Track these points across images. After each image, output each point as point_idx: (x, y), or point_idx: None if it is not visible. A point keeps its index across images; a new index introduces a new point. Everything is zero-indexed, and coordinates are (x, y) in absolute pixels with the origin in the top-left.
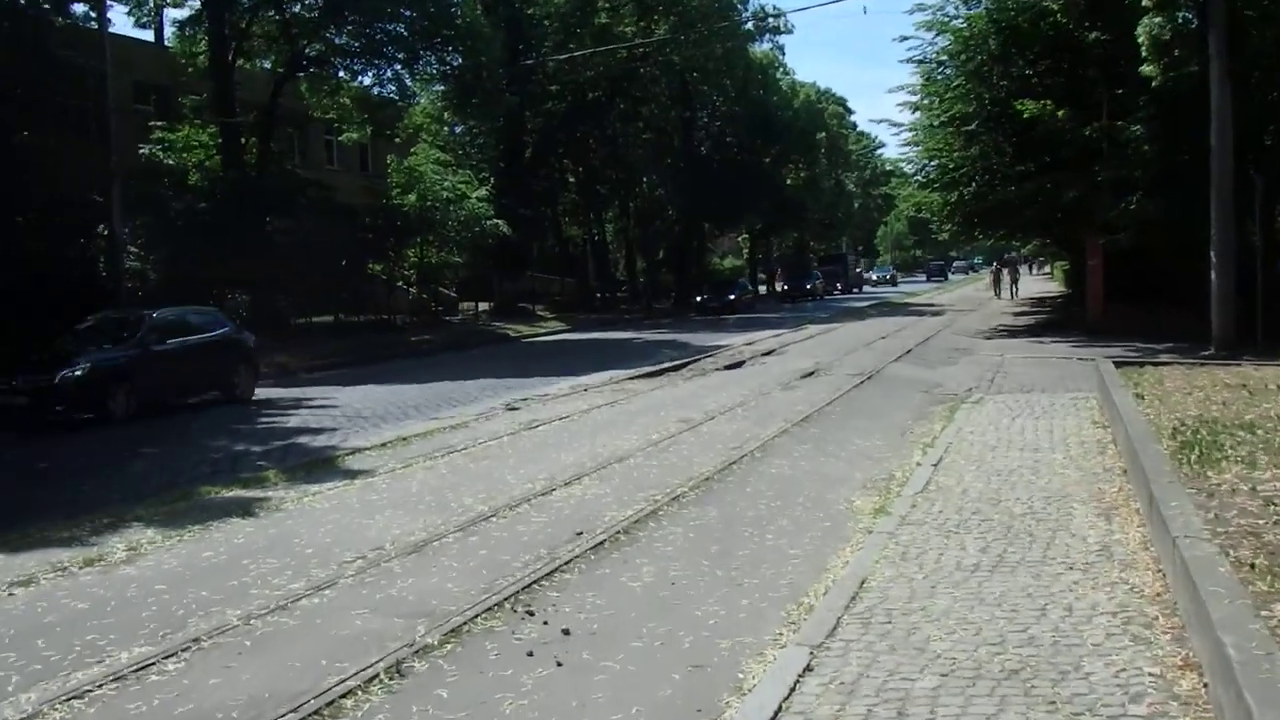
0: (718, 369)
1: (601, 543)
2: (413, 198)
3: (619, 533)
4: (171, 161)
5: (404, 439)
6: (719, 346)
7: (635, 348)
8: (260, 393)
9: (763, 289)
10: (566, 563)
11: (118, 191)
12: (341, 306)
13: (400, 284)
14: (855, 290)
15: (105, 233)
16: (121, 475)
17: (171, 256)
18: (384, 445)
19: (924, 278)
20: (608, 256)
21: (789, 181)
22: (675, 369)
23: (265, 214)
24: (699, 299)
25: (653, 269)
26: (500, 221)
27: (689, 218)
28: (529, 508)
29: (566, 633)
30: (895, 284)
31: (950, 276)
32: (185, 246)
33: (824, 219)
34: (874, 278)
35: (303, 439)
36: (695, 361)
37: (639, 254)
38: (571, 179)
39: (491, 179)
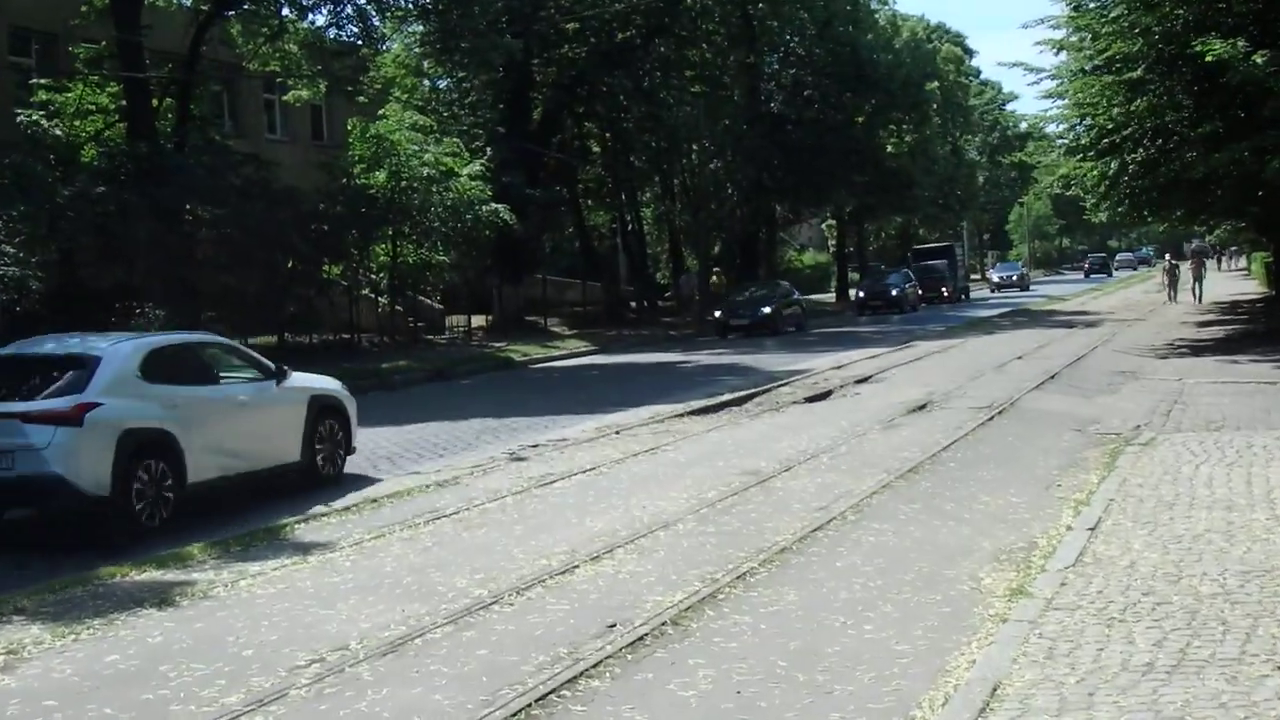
0: (796, 402)
1: (642, 637)
2: (382, 175)
3: (665, 624)
4: (59, 132)
5: (374, 500)
6: (798, 372)
7: (684, 375)
8: None
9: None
10: (595, 665)
11: None
12: (288, 324)
13: (367, 292)
14: (963, 297)
15: None
16: None
17: (61, 260)
18: (347, 509)
19: (1081, 275)
20: (645, 252)
21: (889, 148)
22: (739, 403)
23: (185, 201)
24: (715, 314)
25: (706, 268)
26: (501, 207)
27: (756, 198)
28: (543, 591)
29: None
30: (1025, 286)
31: (1114, 273)
32: (78, 246)
33: (937, 197)
34: (995, 279)
35: (237, 501)
36: (766, 392)
37: (688, 248)
38: (596, 149)
39: (488, 150)
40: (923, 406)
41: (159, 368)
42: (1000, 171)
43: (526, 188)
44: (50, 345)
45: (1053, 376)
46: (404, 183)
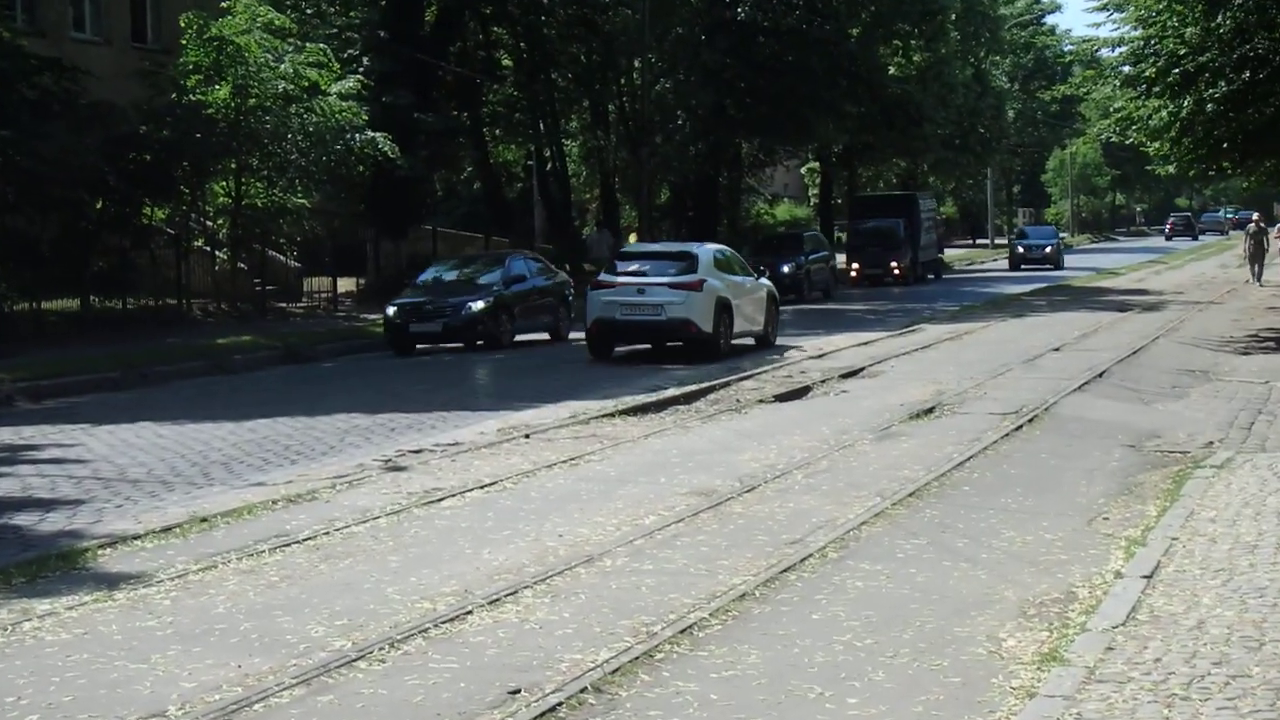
0: (763, 401)
1: (554, 708)
2: (223, 91)
3: (585, 691)
4: None
5: (204, 520)
6: (768, 361)
7: (617, 361)
8: None
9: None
10: None
11: None
12: (96, 284)
13: (200, 244)
14: (931, 276)
15: None
16: None
17: None
18: (168, 530)
19: (1135, 241)
20: (569, 200)
21: (892, 70)
22: (688, 400)
23: None
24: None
25: (648, 221)
26: (380, 136)
27: (715, 131)
28: (425, 644)
29: None
30: (1058, 263)
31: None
32: None
33: (954, 136)
34: (1019, 249)
35: (22, 516)
36: (724, 387)
37: (625, 195)
38: (508, 61)
39: (365, 60)
40: (929, 410)
41: (720, 263)
42: (1036, 105)
43: (415, 111)
44: (663, 246)
45: (1100, 375)
46: (253, 101)
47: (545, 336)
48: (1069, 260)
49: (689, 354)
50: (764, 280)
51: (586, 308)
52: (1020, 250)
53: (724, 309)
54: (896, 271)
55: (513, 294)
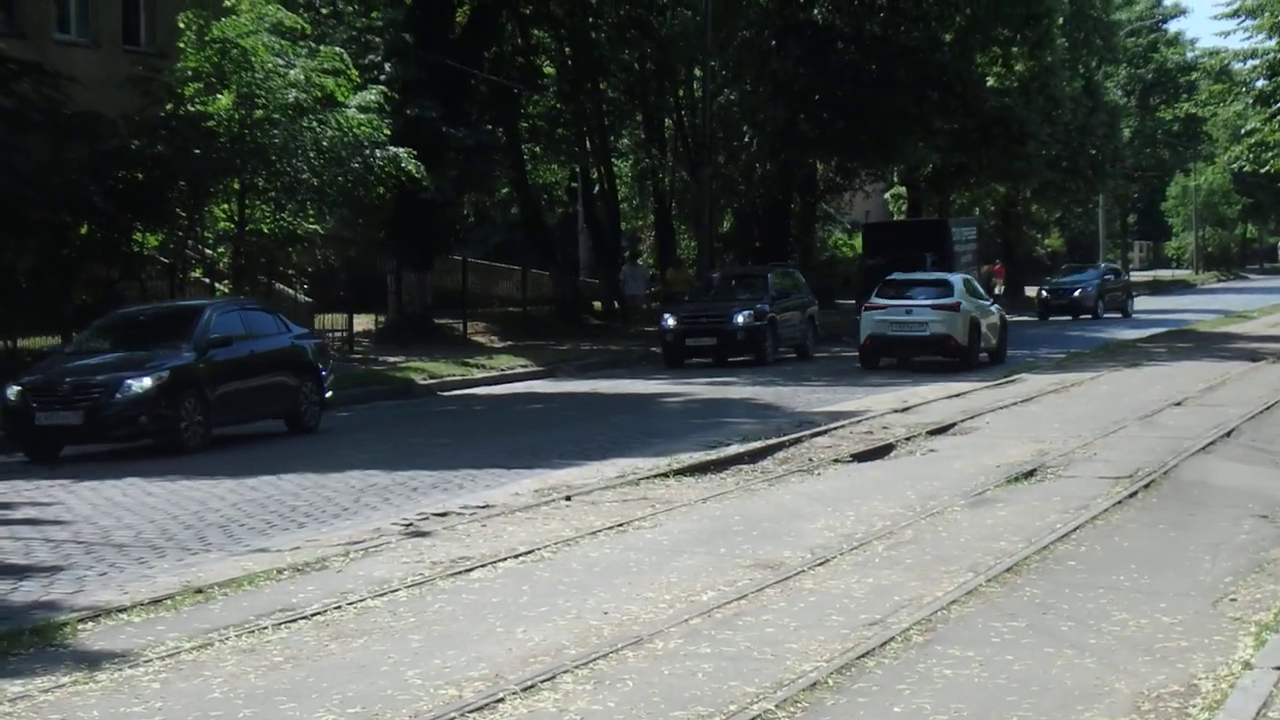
0: (839, 460)
1: None
2: (226, 100)
3: None
4: None
5: (198, 591)
6: (843, 414)
7: (672, 413)
8: None
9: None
10: None
11: None
12: (79, 318)
13: (199, 275)
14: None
15: None
16: None
17: None
18: (157, 603)
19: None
20: (619, 227)
21: (991, 81)
22: (753, 458)
23: None
24: (667, 323)
25: (708, 251)
26: (404, 152)
27: (787, 150)
28: None
29: None
30: (1097, 312)
31: None
32: None
33: (1060, 157)
34: (1046, 294)
35: None
36: (794, 444)
37: (684, 223)
38: (550, 69)
39: (387, 67)
40: (1030, 473)
41: (969, 288)
42: (1156, 124)
43: (443, 125)
44: (922, 275)
45: (1228, 434)
46: (259, 112)
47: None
48: (1157, 305)
49: (951, 366)
50: (994, 306)
51: (860, 326)
52: (1045, 295)
53: (974, 326)
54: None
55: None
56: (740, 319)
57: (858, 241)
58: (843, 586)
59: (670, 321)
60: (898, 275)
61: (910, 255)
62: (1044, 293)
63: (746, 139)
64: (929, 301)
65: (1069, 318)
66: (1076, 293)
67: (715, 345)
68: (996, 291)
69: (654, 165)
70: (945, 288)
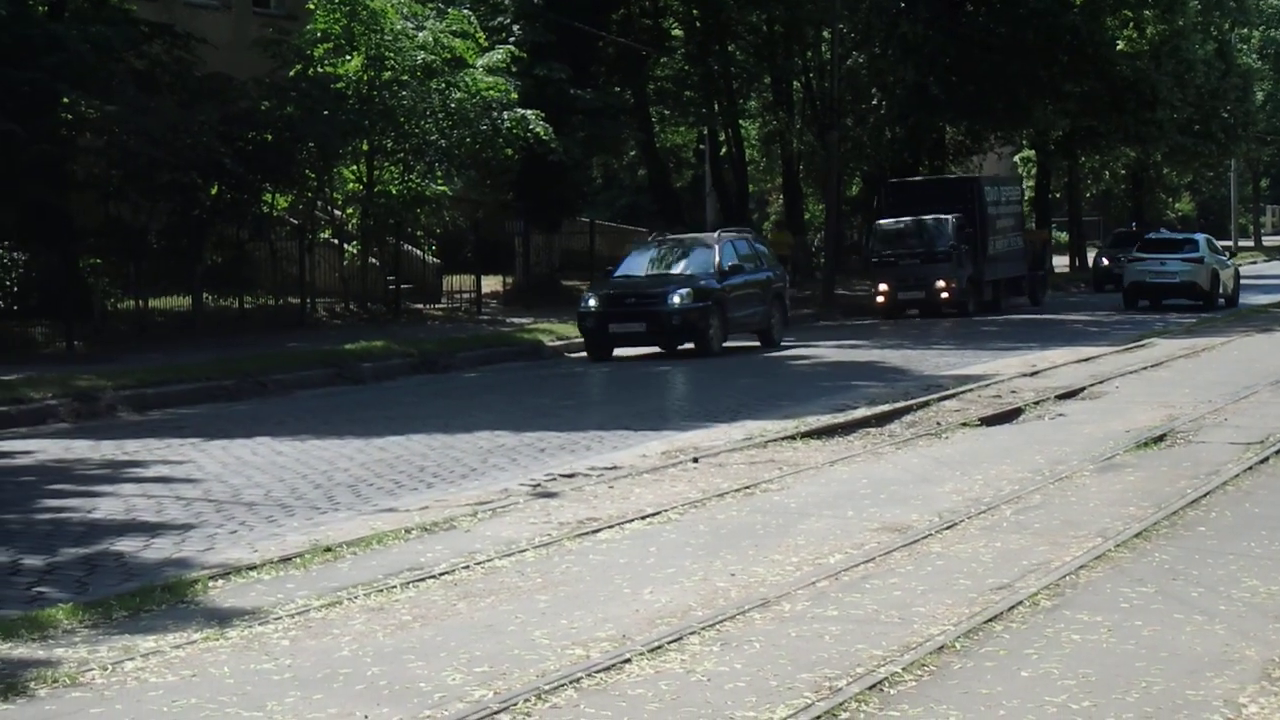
0: (967, 424)
1: None
2: (355, 62)
3: None
4: None
5: (327, 549)
6: (970, 378)
7: (799, 375)
8: (34, 447)
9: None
10: None
11: None
12: (208, 280)
13: (327, 236)
14: (1022, 302)
15: None
16: None
17: None
18: (287, 561)
19: None
20: (747, 189)
21: (1121, 45)
22: (880, 421)
23: (59, 91)
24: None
25: (836, 214)
26: (531, 114)
27: (916, 114)
28: (576, 696)
29: None
30: (1211, 300)
31: None
32: None
33: (1192, 120)
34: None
35: (125, 541)
36: (922, 407)
37: (811, 186)
38: (677, 31)
39: (515, 29)
40: (1160, 438)
41: (1211, 245)
42: None
43: (571, 87)
44: (1171, 235)
45: None
46: (388, 74)
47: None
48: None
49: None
50: (1229, 260)
51: (1124, 273)
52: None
53: (1215, 277)
54: (944, 295)
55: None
56: (676, 299)
57: None
58: (970, 550)
59: (590, 302)
60: (1152, 235)
61: (929, 219)
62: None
63: (875, 102)
64: (1179, 255)
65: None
66: (1179, 277)
67: (645, 332)
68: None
69: (782, 128)
70: (1192, 245)
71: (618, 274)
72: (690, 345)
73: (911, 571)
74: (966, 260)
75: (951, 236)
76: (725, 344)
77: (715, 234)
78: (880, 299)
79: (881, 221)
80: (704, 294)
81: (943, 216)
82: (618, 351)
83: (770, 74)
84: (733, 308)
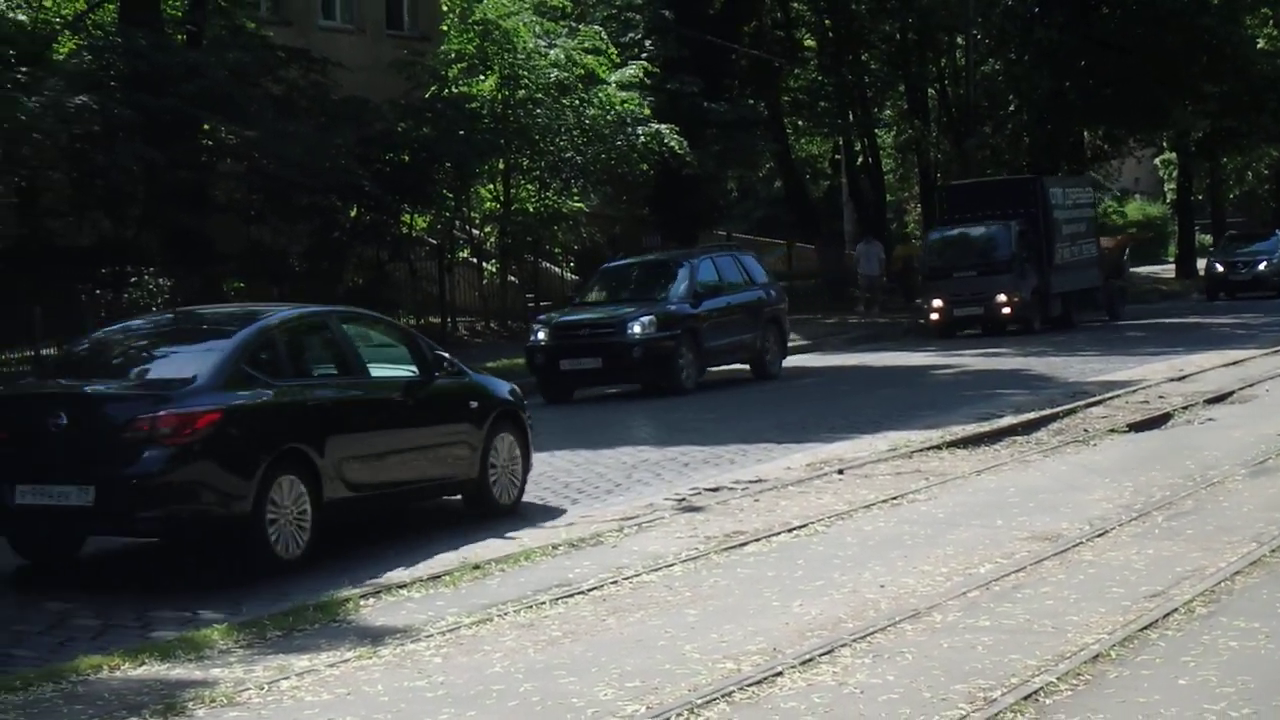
0: (1114, 430)
1: None
2: (490, 82)
3: None
4: (23, 16)
5: (476, 567)
6: (1116, 384)
7: (943, 386)
8: None
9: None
10: None
11: None
12: (350, 300)
13: (466, 255)
14: (1103, 320)
15: None
16: None
17: (21, 203)
18: (436, 579)
19: None
20: (884, 199)
21: (1261, 43)
22: (1026, 430)
23: (199, 118)
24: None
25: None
26: (665, 128)
27: (1052, 118)
28: (728, 709)
29: None
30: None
31: None
32: (46, 183)
33: None
34: (1221, 269)
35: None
36: (1068, 415)
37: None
38: (810, 41)
39: (648, 44)
40: None
41: None
42: None
43: (705, 100)
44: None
45: None
46: (522, 92)
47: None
48: None
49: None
50: None
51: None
52: (1219, 269)
53: None
54: (1005, 311)
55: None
56: (637, 328)
57: (1129, 208)
58: (1122, 558)
59: (539, 335)
60: (1234, 232)
61: (988, 228)
62: (1217, 266)
63: (1011, 108)
64: (1263, 253)
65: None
66: (1262, 265)
67: (602, 368)
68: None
69: (918, 136)
70: (1272, 243)
71: (577, 301)
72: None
73: (1063, 580)
74: (1030, 271)
75: (1012, 245)
76: (707, 377)
77: (692, 251)
78: (934, 316)
79: (935, 230)
80: (672, 321)
81: (1003, 223)
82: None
83: (905, 82)
84: (711, 336)
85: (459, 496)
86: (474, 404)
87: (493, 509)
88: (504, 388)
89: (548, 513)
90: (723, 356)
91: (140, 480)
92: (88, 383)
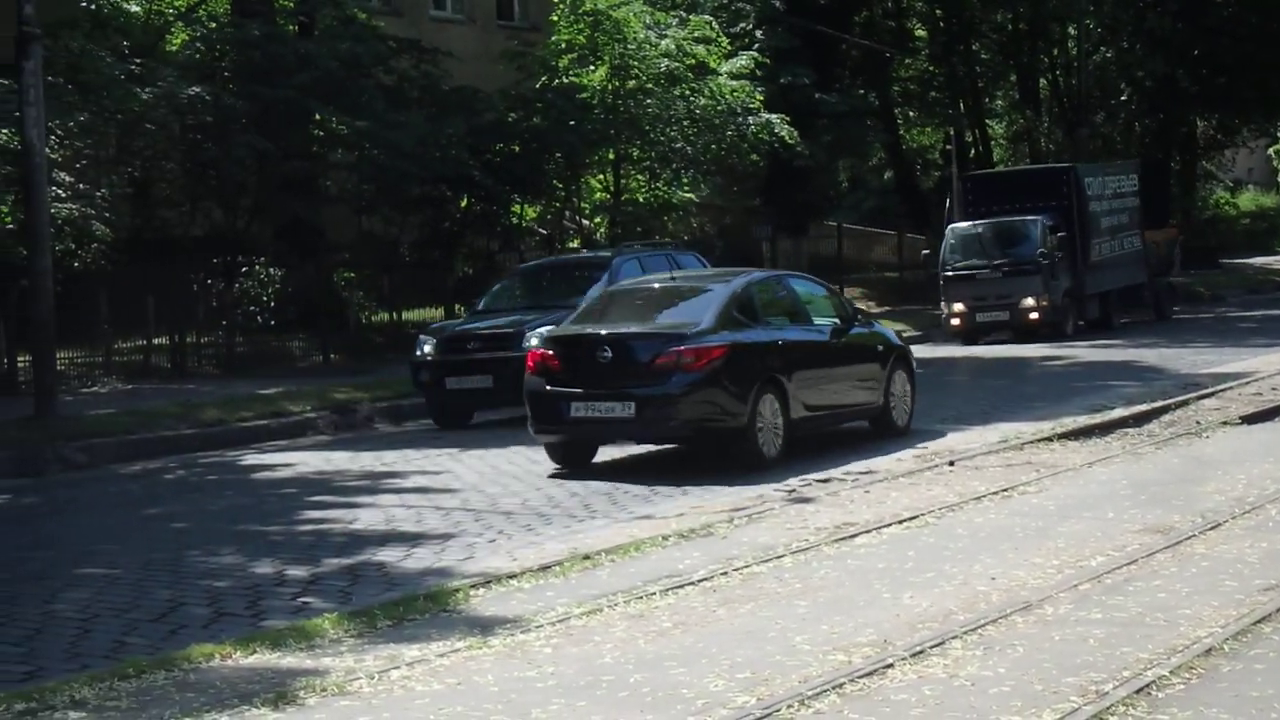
0: (1227, 422)
1: None
2: (600, 72)
3: None
4: (136, 8)
5: (586, 557)
6: (1228, 376)
7: (1052, 377)
8: (294, 459)
9: None
10: None
11: (37, 65)
12: (460, 291)
13: (576, 245)
14: (1147, 318)
15: (15, 145)
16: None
17: (135, 194)
18: (546, 569)
19: None
20: None
21: None
22: (1137, 422)
23: (311, 109)
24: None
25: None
26: (776, 118)
27: (1165, 107)
28: (839, 701)
29: None
30: None
31: None
32: (159, 174)
33: None
34: None
35: (386, 552)
36: (1180, 406)
37: None
38: (921, 31)
39: (758, 35)
40: None
41: None
42: None
43: (815, 91)
44: None
45: None
46: (632, 83)
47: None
48: None
49: None
50: None
51: None
52: None
53: None
54: (1033, 315)
55: None
56: (535, 340)
57: (1242, 199)
58: (1235, 551)
59: (425, 348)
60: None
61: (1015, 222)
62: None
63: (1124, 97)
64: None
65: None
66: None
67: (493, 389)
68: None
69: (1029, 126)
70: None
71: (479, 308)
72: None
73: (1175, 573)
74: (1061, 270)
75: (1040, 241)
76: None
77: (621, 249)
78: (955, 321)
79: (955, 226)
80: None
81: (1029, 218)
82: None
83: (1016, 72)
84: None
85: (865, 422)
86: (880, 347)
87: (892, 430)
88: (896, 336)
89: (658, 503)
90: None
91: (670, 398)
92: (620, 326)
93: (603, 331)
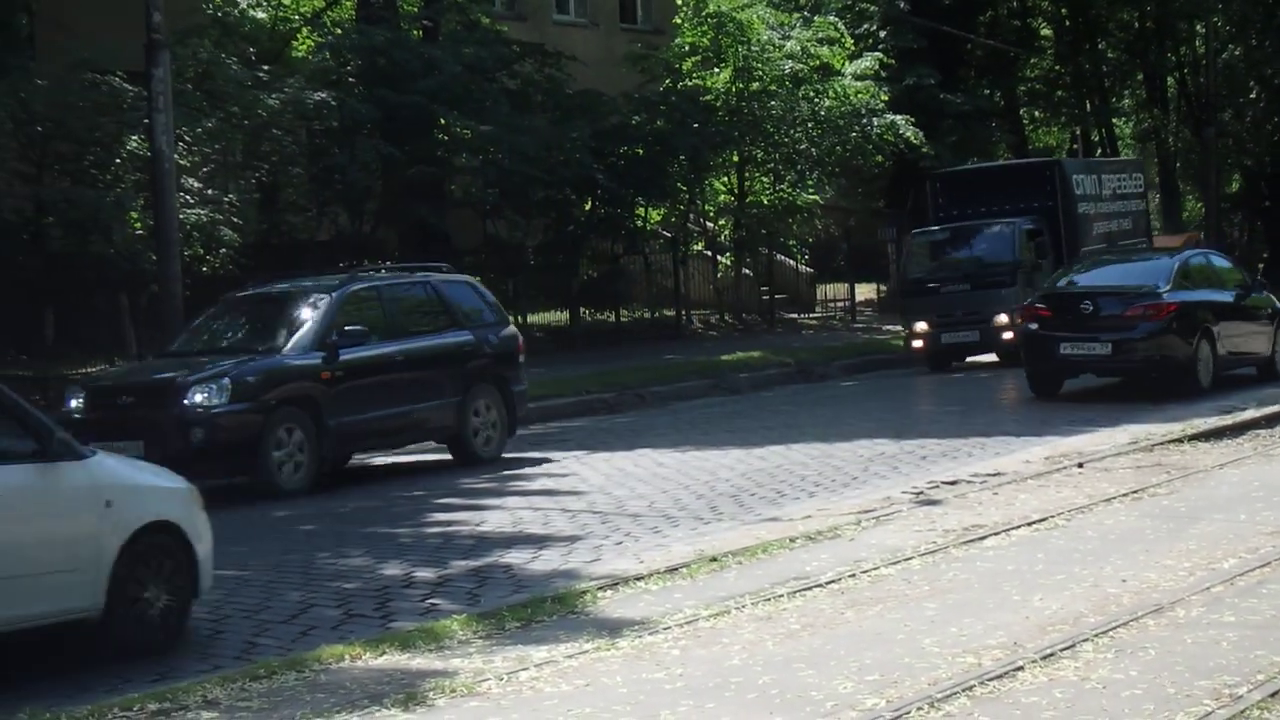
0: None
1: None
2: (724, 74)
3: None
4: (262, 14)
5: (712, 559)
6: None
7: None
8: (429, 460)
9: None
10: None
11: (165, 73)
12: (585, 294)
13: (700, 248)
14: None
15: (145, 151)
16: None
17: (262, 199)
18: (673, 571)
19: None
20: None
21: None
22: (1270, 421)
23: (435, 113)
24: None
25: (1214, 212)
26: (901, 119)
27: None
28: (969, 704)
29: None
30: None
31: None
32: (286, 179)
33: None
34: None
35: (514, 554)
36: None
37: (1189, 183)
38: (1046, 30)
39: (882, 35)
40: None
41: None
42: None
43: (940, 91)
44: None
45: None
46: (756, 84)
47: None
48: None
49: None
50: None
51: None
52: None
53: None
54: (1007, 335)
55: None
56: (200, 398)
57: None
58: None
59: (72, 403)
60: None
61: (990, 226)
62: None
63: (1253, 95)
64: None
65: None
66: None
67: (143, 457)
68: None
69: (1157, 125)
70: None
71: (170, 349)
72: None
73: None
74: (1043, 282)
75: (1015, 248)
76: (344, 468)
77: (354, 274)
78: (917, 343)
79: (916, 231)
80: (267, 382)
81: (1002, 220)
82: None
83: (1143, 71)
84: (348, 406)
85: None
86: (1269, 310)
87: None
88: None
89: (784, 505)
90: (375, 438)
91: (1137, 341)
92: (1097, 283)
93: (1089, 288)
